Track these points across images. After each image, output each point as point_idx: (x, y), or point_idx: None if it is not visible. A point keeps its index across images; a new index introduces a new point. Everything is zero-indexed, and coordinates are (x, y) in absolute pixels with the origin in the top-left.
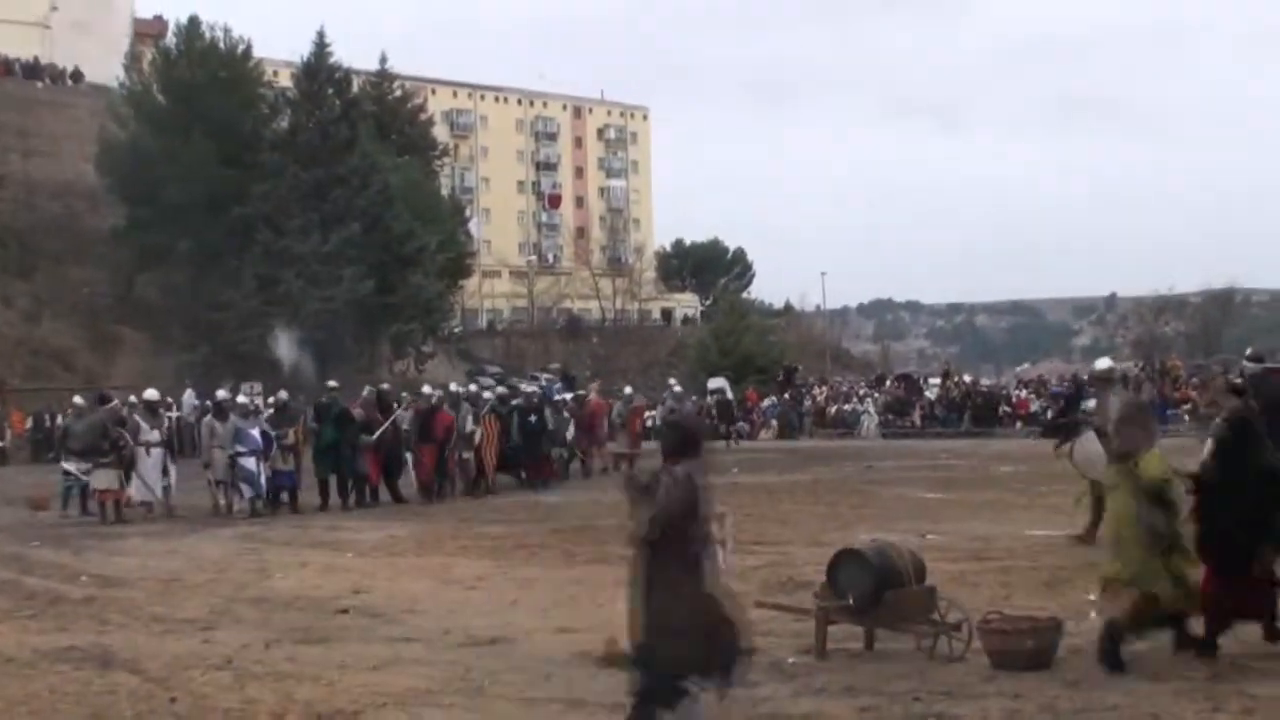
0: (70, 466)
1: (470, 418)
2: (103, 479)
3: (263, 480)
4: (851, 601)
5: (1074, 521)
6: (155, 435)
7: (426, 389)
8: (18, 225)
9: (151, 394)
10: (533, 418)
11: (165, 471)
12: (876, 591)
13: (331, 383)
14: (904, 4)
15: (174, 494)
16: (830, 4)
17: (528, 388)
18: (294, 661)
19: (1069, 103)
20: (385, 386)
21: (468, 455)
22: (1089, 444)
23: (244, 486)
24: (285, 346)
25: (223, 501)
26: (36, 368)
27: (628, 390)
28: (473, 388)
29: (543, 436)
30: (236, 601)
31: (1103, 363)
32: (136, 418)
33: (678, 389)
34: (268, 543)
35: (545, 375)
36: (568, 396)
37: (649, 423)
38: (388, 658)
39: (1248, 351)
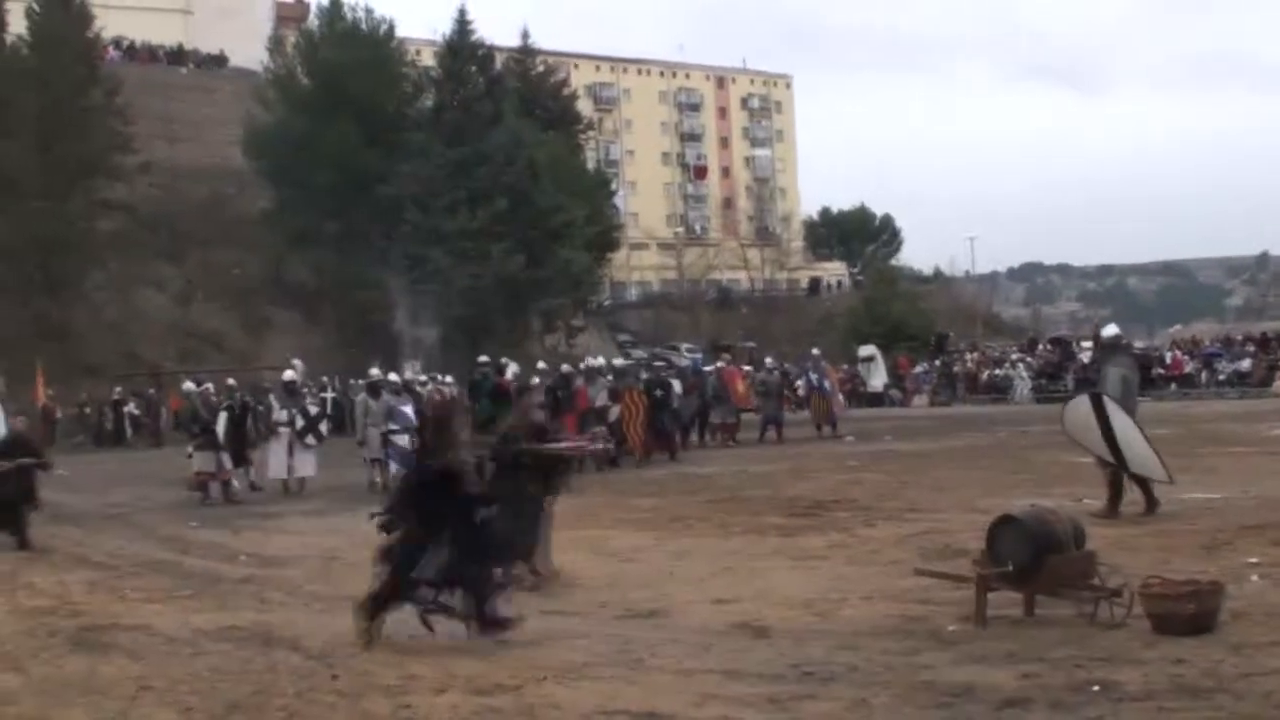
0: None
1: (606, 392)
2: (199, 460)
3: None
4: (1011, 568)
5: (1220, 484)
6: (285, 415)
7: (565, 366)
8: (166, 211)
9: (289, 375)
10: (659, 392)
11: (291, 453)
12: (1036, 558)
13: (482, 357)
14: None
15: (303, 474)
16: None
17: (681, 360)
18: (452, 636)
19: (1211, 61)
20: (504, 361)
21: (599, 430)
22: (1078, 407)
23: (395, 466)
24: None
25: (378, 479)
26: (189, 350)
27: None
28: (617, 361)
29: (666, 412)
30: None
31: (1110, 329)
32: (271, 398)
33: (815, 354)
34: None
35: (687, 347)
36: (708, 369)
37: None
38: (546, 631)
39: None
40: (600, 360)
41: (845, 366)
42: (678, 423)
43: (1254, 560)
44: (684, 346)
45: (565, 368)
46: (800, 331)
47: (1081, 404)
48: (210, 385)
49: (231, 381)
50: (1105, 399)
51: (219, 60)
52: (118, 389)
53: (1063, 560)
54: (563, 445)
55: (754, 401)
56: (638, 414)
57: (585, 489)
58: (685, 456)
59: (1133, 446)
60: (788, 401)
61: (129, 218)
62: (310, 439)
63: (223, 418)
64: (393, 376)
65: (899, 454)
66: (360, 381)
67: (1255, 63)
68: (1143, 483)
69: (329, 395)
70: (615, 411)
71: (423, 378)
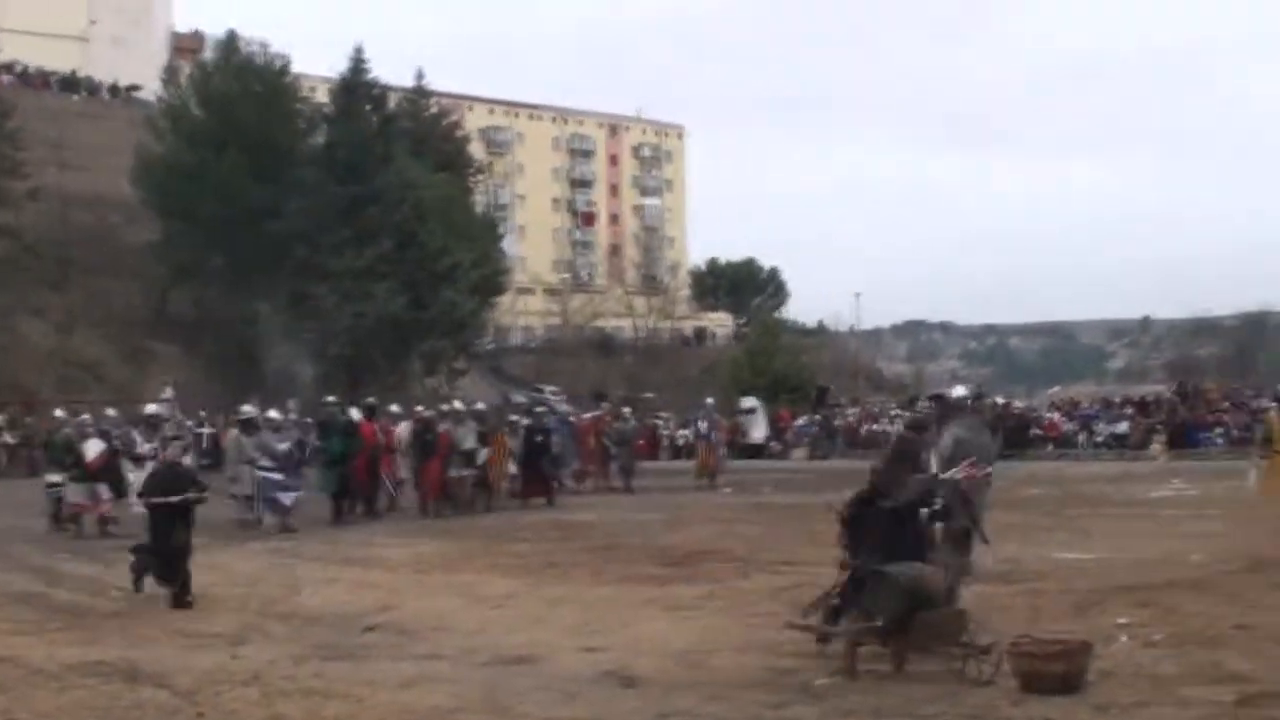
0: (54, 477)
1: (472, 435)
2: (73, 492)
3: (291, 496)
4: (881, 623)
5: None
6: (148, 449)
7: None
8: (52, 238)
9: (151, 408)
10: (538, 437)
11: None
12: (907, 613)
13: (330, 397)
14: (935, 24)
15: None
16: (863, 24)
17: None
18: (322, 678)
19: (1102, 124)
20: (372, 400)
21: (466, 473)
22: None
23: (268, 502)
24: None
25: (250, 516)
26: (69, 379)
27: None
28: (480, 405)
29: (544, 457)
30: (266, 617)
31: (958, 390)
32: (134, 432)
33: (710, 403)
34: (298, 558)
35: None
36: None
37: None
38: (415, 675)
39: None
40: (459, 405)
41: (725, 420)
42: (556, 468)
43: (1123, 621)
44: (548, 389)
45: (428, 411)
46: (683, 381)
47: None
48: (87, 415)
49: (112, 412)
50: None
51: (113, 89)
52: None
53: (933, 617)
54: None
55: (612, 451)
56: (504, 457)
57: (460, 533)
58: (563, 502)
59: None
60: (642, 450)
61: (14, 243)
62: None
63: (95, 446)
64: (272, 413)
65: (777, 506)
66: (234, 417)
67: (1143, 128)
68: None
69: (205, 430)
70: (484, 454)
71: (276, 415)
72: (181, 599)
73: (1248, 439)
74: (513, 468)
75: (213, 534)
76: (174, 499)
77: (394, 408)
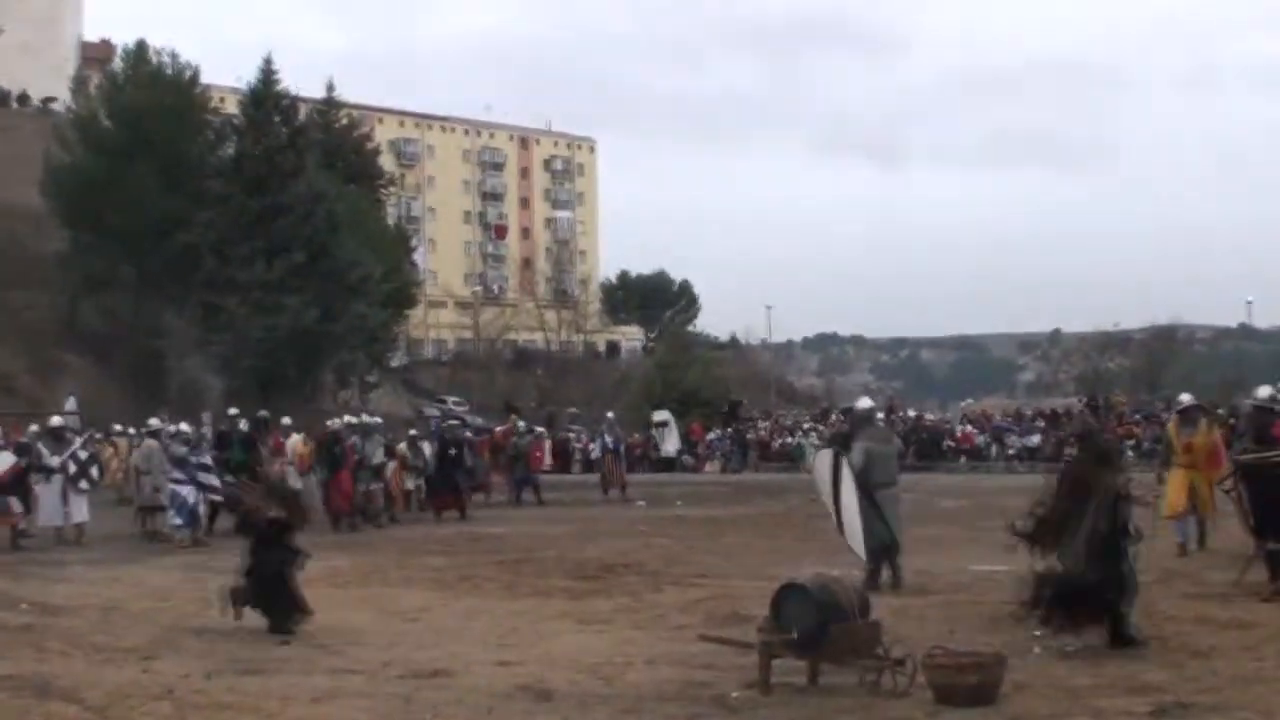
0: None
1: (380, 449)
2: None
3: (202, 508)
4: (795, 635)
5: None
6: (55, 461)
7: (334, 422)
8: None
9: (56, 420)
10: (451, 450)
11: (66, 499)
12: (820, 626)
13: (232, 409)
14: (845, 41)
15: (78, 520)
16: (773, 40)
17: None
18: (235, 692)
19: (1009, 139)
20: (265, 414)
21: (375, 486)
22: (822, 459)
23: (174, 514)
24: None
25: (153, 528)
26: None
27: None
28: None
29: (458, 470)
30: (178, 631)
31: (863, 402)
32: (40, 445)
33: (611, 417)
34: (210, 571)
35: (453, 401)
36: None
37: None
38: (329, 689)
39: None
40: (368, 418)
41: (634, 434)
42: (470, 481)
43: (1037, 633)
44: (451, 400)
45: (334, 423)
46: (595, 394)
47: (825, 457)
48: None
49: (35, 428)
50: (844, 459)
51: (21, 98)
52: None
53: (847, 629)
54: None
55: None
56: (399, 472)
57: (374, 546)
58: (477, 516)
59: (848, 512)
60: (538, 462)
61: None
62: (83, 484)
63: (5, 459)
64: (184, 426)
65: (689, 520)
66: (142, 430)
67: (1050, 142)
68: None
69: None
70: (391, 467)
71: (188, 428)
72: (284, 626)
73: (1158, 451)
74: (410, 482)
75: (121, 547)
76: (279, 516)
77: (285, 420)
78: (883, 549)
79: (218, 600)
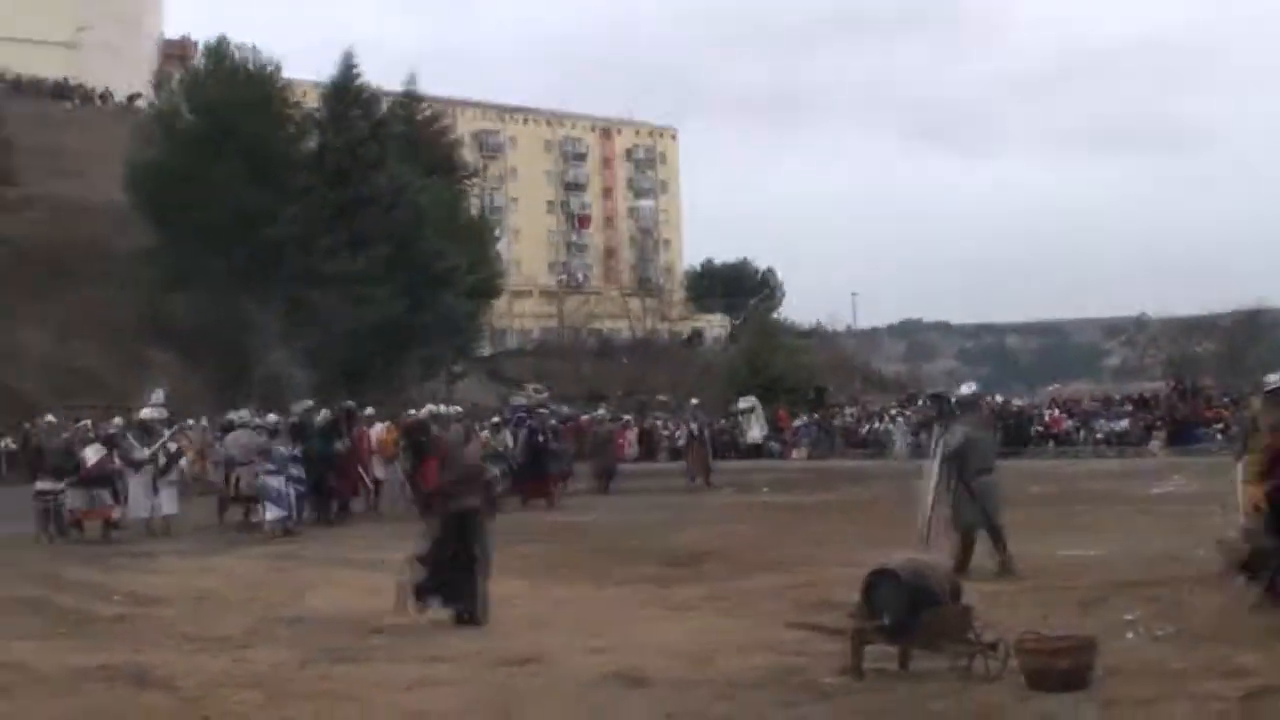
0: (44, 485)
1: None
2: (73, 498)
3: (292, 498)
4: (887, 621)
5: (1097, 541)
6: (144, 454)
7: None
8: (45, 245)
9: (147, 413)
10: (540, 438)
11: (155, 491)
12: (912, 611)
13: (307, 401)
14: (929, 26)
15: (167, 512)
16: (856, 26)
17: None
18: (328, 680)
19: (1095, 124)
20: (350, 404)
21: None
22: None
23: (269, 505)
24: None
25: (252, 519)
26: (66, 387)
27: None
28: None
29: (546, 457)
30: (270, 620)
31: (966, 388)
32: (130, 437)
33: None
34: (301, 561)
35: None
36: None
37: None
38: (421, 677)
39: None
40: (443, 408)
41: (723, 421)
42: (560, 467)
43: (1129, 617)
44: (531, 387)
45: (420, 413)
46: (680, 382)
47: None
48: (88, 422)
49: (119, 420)
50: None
51: (104, 96)
52: None
53: (939, 614)
54: None
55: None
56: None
57: None
58: (564, 504)
59: (923, 499)
60: (622, 450)
61: (9, 251)
62: (172, 476)
63: (94, 452)
64: (271, 417)
65: (776, 506)
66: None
67: (1137, 128)
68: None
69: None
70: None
71: (275, 418)
72: (472, 616)
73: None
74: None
75: (211, 538)
76: (477, 502)
77: (369, 410)
78: (970, 534)
79: (401, 597)
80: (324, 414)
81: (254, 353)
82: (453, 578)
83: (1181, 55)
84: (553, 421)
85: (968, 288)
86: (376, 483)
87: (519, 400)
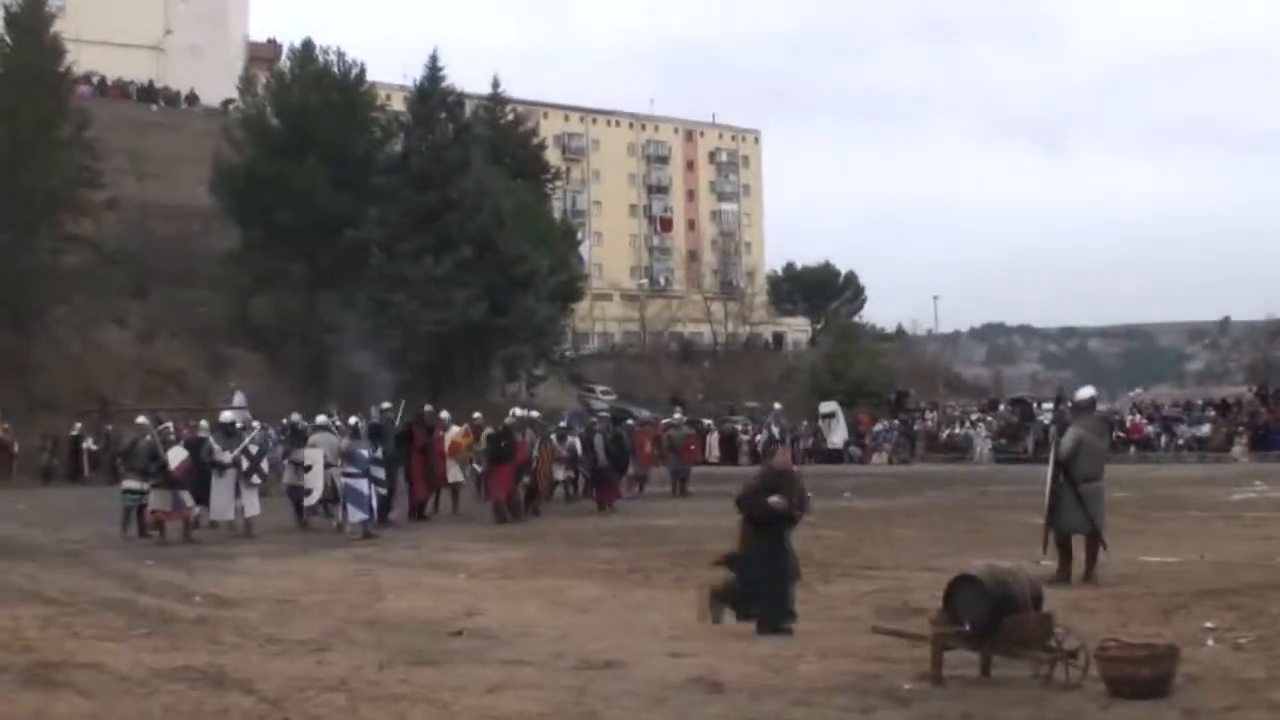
0: (132, 484)
1: (536, 443)
2: (156, 499)
3: (373, 501)
4: (968, 627)
5: (1178, 548)
6: (228, 457)
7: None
8: (132, 247)
9: (226, 415)
10: (616, 445)
11: (238, 493)
12: (993, 617)
13: (385, 404)
14: (1009, 29)
15: (250, 514)
16: (936, 29)
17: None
18: (408, 683)
19: (1178, 125)
20: (428, 408)
21: (527, 479)
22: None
23: (352, 508)
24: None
25: (335, 521)
26: (150, 388)
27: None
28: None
29: (623, 463)
30: (350, 623)
31: (1084, 391)
32: (211, 439)
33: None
34: (381, 564)
35: (600, 389)
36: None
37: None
38: (501, 681)
39: None
40: (522, 412)
41: (805, 422)
42: (637, 470)
43: (1210, 625)
44: (599, 389)
45: (511, 419)
46: (762, 386)
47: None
48: (170, 423)
49: (204, 422)
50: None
51: (189, 98)
52: (77, 424)
53: (1020, 621)
54: None
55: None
56: (547, 464)
57: (544, 538)
58: (644, 508)
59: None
60: (692, 455)
61: (94, 253)
62: (255, 478)
63: (178, 454)
64: (353, 420)
65: (858, 511)
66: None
67: (1220, 129)
68: (1092, 544)
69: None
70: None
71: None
72: (778, 622)
73: None
74: (560, 473)
75: (294, 540)
76: (785, 510)
77: (444, 414)
78: (1069, 539)
79: (702, 604)
80: (398, 414)
81: (336, 354)
82: (770, 581)
83: (1257, 61)
84: (629, 422)
85: (1051, 291)
86: (454, 485)
87: (600, 405)
